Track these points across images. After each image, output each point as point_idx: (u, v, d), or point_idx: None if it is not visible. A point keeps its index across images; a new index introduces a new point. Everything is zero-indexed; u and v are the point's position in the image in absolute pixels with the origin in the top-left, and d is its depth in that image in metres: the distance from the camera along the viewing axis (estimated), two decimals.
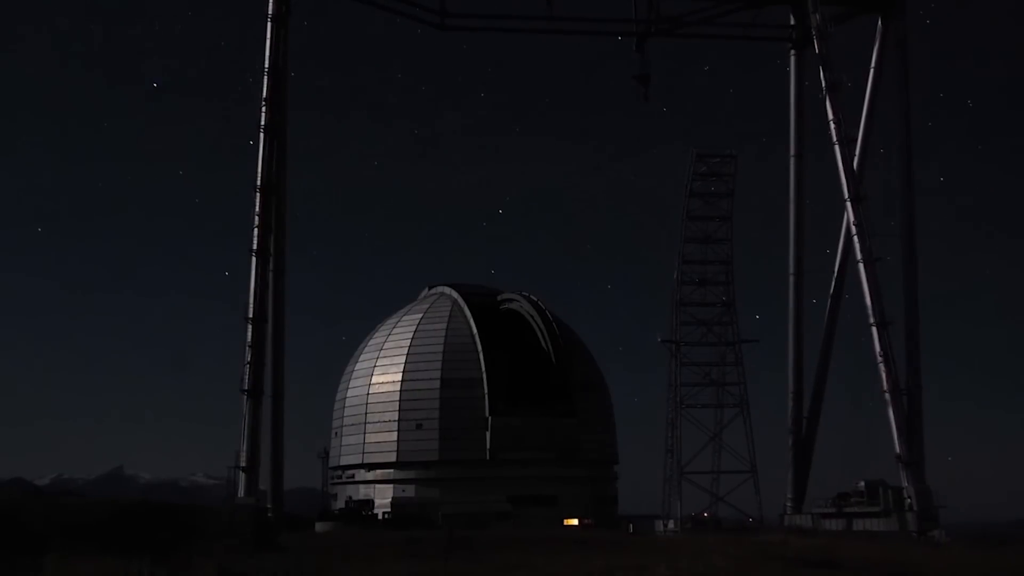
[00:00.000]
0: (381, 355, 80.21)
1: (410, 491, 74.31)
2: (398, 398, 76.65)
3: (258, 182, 56.55)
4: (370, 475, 76.37)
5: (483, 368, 74.79)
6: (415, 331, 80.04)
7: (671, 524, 70.77)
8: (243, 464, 52.16)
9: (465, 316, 79.15)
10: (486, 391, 73.86)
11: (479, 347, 75.93)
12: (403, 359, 78.32)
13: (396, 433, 75.88)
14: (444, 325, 79.34)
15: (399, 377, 77.47)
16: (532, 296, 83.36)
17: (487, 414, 73.34)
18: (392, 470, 75.44)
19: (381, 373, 78.85)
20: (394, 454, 75.63)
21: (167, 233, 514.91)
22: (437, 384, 75.75)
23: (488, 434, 72.95)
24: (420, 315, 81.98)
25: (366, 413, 78.40)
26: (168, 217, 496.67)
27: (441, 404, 75.04)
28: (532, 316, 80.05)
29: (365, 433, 78.05)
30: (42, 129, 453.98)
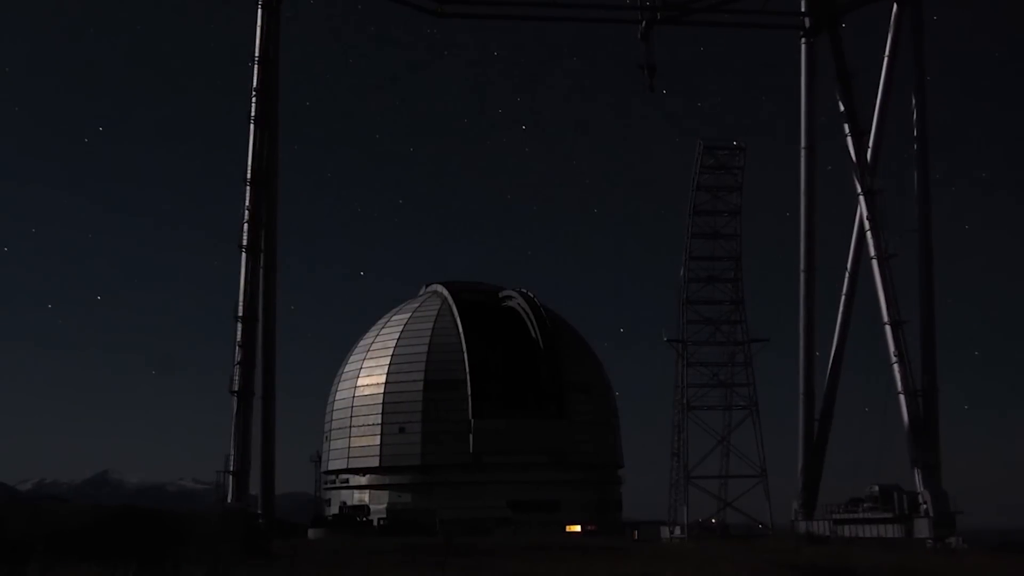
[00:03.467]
0: (368, 356, 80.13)
1: (407, 496, 74.19)
2: (381, 401, 76.54)
3: (248, 175, 56.52)
4: (364, 480, 76.26)
5: (467, 369, 74.51)
6: (401, 331, 79.84)
7: (677, 530, 70.69)
8: (232, 468, 52.14)
9: (453, 315, 78.68)
10: (469, 393, 73.62)
11: (464, 347, 75.54)
12: (388, 360, 78.13)
13: (379, 437, 75.86)
14: (431, 325, 79.01)
15: (383, 379, 77.37)
16: (529, 292, 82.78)
17: (470, 416, 73.11)
18: (387, 476, 75.33)
19: (366, 375, 78.87)
20: (377, 459, 75.72)
21: (154, 229, 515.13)
22: (420, 386, 75.54)
23: (471, 437, 72.71)
24: (408, 314, 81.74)
25: (351, 416, 78.50)
26: (155, 213, 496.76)
27: (424, 407, 74.84)
28: (527, 313, 79.51)
29: (350, 437, 78.09)
30: (18, 121, 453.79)
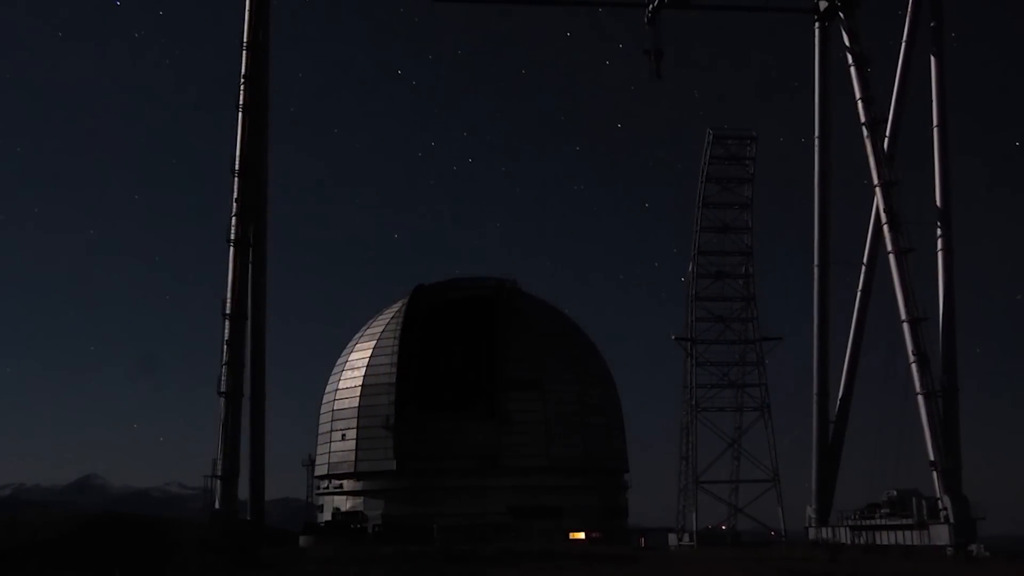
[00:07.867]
0: (340, 360, 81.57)
1: (403, 502, 74.06)
2: (332, 408, 78.06)
3: (236, 166, 56.43)
4: (359, 485, 76.33)
5: (396, 371, 74.88)
6: (361, 335, 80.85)
7: (686, 538, 70.74)
8: (220, 472, 52.13)
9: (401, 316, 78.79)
10: (394, 396, 73.99)
11: (396, 348, 75.84)
12: (343, 365, 79.60)
13: (329, 444, 77.25)
14: (381, 328, 79.52)
15: (336, 385, 78.85)
16: (509, 284, 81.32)
17: (393, 420, 73.48)
18: (383, 481, 75.38)
19: (332, 381, 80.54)
20: (326, 466, 76.92)
21: (138, 224, 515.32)
22: (358, 391, 76.49)
23: (393, 441, 73.01)
24: (373, 318, 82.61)
25: (318, 423, 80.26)
26: (140, 207, 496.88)
27: (359, 412, 75.70)
28: (484, 305, 77.79)
29: (317, 444, 79.74)
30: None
